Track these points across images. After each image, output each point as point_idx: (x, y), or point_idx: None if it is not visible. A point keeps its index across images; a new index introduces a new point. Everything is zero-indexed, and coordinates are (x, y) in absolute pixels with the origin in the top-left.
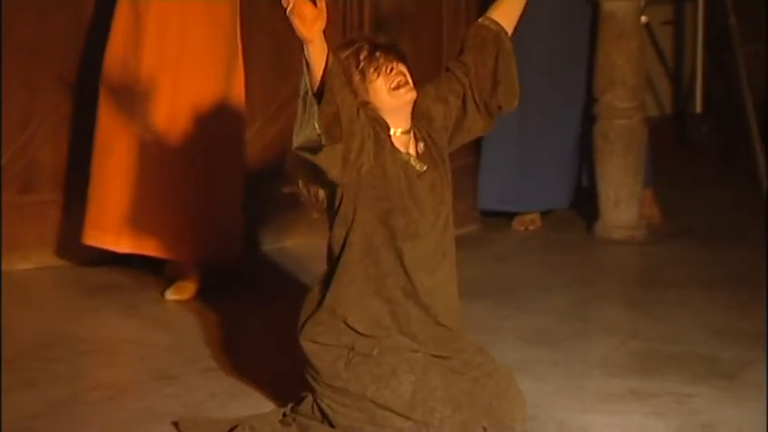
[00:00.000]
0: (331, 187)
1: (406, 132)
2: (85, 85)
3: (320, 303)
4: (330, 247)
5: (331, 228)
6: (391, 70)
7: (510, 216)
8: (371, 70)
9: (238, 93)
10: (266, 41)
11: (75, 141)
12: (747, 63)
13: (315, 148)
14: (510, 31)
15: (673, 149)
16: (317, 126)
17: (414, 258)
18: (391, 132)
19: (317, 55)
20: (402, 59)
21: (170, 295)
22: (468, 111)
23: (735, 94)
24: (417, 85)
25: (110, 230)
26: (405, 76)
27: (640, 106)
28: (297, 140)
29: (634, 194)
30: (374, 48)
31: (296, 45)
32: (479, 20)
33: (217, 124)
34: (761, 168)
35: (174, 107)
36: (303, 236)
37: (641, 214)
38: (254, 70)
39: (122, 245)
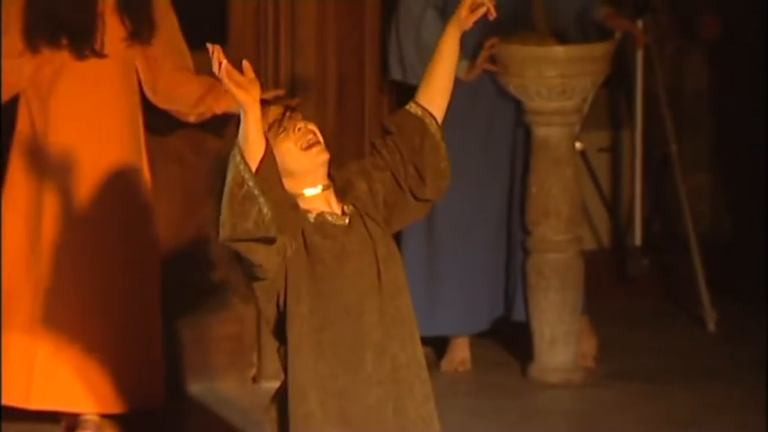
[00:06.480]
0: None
1: (327, 188)
2: None
3: None
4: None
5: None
6: (299, 130)
7: (439, 352)
8: (280, 130)
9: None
10: (174, 170)
11: None
12: (690, 193)
13: (251, 240)
14: (439, 113)
15: (611, 285)
16: (264, 219)
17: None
18: (306, 193)
19: (257, 128)
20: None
21: None
22: (403, 189)
23: (677, 227)
24: (330, 147)
25: (15, 386)
26: (315, 135)
27: (576, 239)
28: (226, 230)
29: (571, 333)
30: (281, 109)
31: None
32: (405, 107)
33: (133, 245)
34: (705, 307)
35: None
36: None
37: (579, 353)
38: (161, 201)
39: (33, 401)
